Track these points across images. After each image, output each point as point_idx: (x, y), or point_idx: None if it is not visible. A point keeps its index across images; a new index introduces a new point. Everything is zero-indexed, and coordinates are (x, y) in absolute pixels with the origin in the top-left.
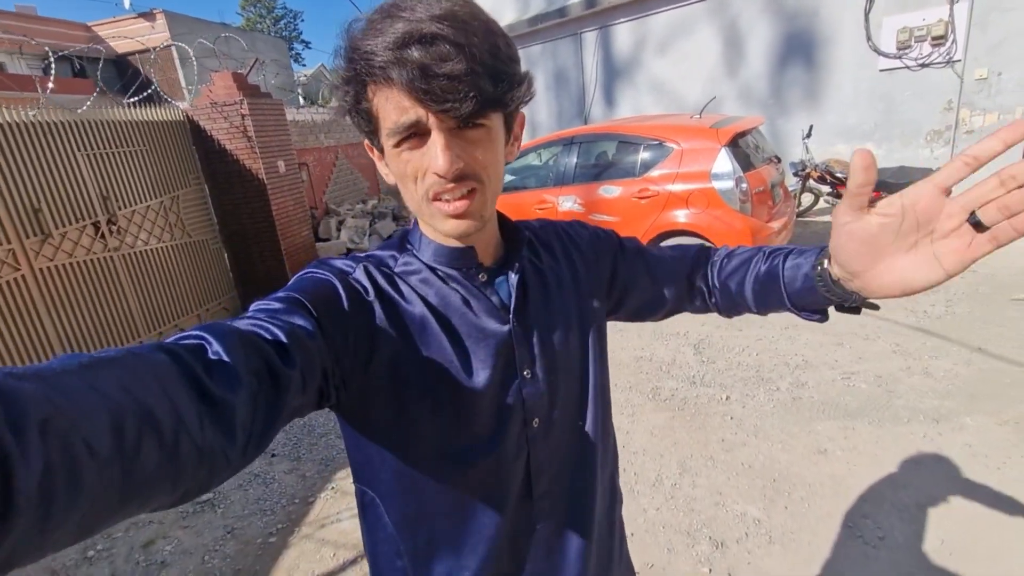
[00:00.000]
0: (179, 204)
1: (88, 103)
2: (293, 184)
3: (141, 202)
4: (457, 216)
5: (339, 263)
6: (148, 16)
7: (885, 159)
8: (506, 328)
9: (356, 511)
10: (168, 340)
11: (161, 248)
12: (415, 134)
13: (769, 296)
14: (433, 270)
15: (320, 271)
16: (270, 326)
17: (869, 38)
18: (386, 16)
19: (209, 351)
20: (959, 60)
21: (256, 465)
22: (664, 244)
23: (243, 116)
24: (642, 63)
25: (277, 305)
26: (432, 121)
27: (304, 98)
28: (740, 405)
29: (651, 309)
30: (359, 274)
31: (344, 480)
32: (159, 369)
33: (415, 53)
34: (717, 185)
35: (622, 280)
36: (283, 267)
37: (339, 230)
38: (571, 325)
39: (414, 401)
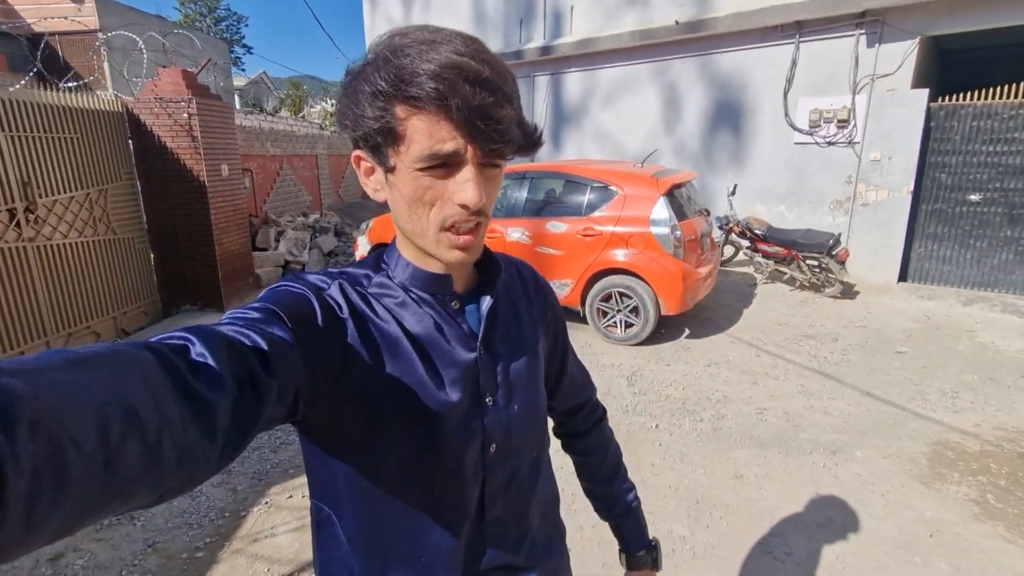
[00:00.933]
0: (107, 198)
1: (24, 83)
2: (234, 189)
3: (65, 192)
4: (462, 248)
5: (314, 278)
6: None
7: (796, 221)
8: (472, 356)
9: (293, 526)
10: (152, 339)
11: (82, 243)
12: (443, 164)
13: (598, 505)
14: (408, 292)
15: (295, 285)
16: (251, 334)
17: (787, 114)
18: (424, 43)
19: (193, 351)
20: (858, 142)
21: None
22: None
23: (190, 115)
24: (588, 111)
25: (255, 315)
26: (470, 155)
27: (244, 103)
28: (668, 433)
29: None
30: (334, 291)
31: (279, 495)
32: (144, 367)
33: (472, 90)
34: (655, 230)
35: (550, 352)
36: (215, 273)
37: (278, 241)
38: (531, 358)
39: (385, 420)
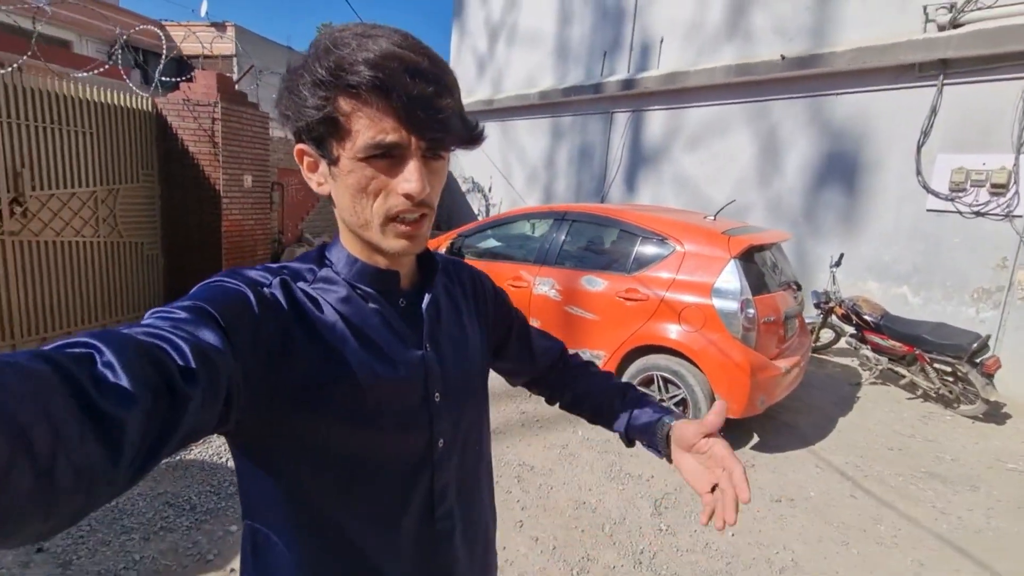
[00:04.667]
0: (116, 199)
1: (16, 65)
2: (258, 203)
3: (65, 187)
4: (408, 237)
5: (252, 273)
6: (219, 26)
7: (922, 309)
8: (419, 352)
9: None
10: (49, 346)
11: (78, 243)
12: (387, 154)
13: (604, 417)
14: (353, 287)
15: (230, 280)
16: (173, 337)
17: (919, 172)
18: (363, 35)
19: (99, 361)
20: (1020, 215)
21: (7, 562)
22: (534, 327)
23: (214, 120)
24: (670, 154)
25: (181, 315)
26: (413, 147)
27: None
28: None
29: (515, 374)
30: (275, 287)
31: None
32: (38, 381)
33: (413, 81)
34: (719, 303)
35: (505, 338)
36: None
37: None
38: (475, 355)
39: (330, 419)
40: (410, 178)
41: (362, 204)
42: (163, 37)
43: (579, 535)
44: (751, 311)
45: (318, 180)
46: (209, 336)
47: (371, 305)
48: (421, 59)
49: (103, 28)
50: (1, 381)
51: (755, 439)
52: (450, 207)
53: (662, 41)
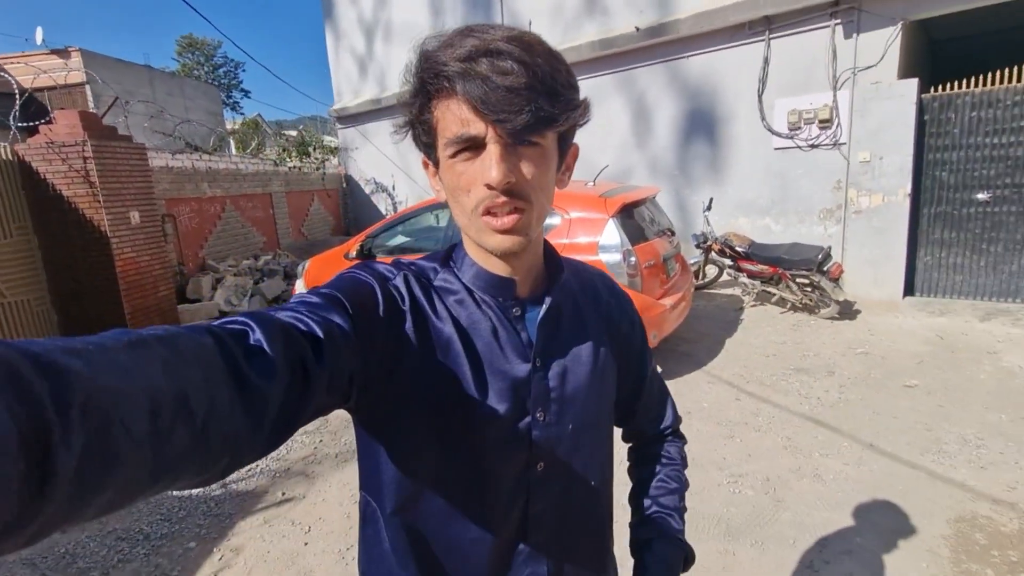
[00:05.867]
0: None
1: None
2: (150, 237)
3: None
4: (504, 231)
5: (381, 268)
6: (62, 53)
7: (783, 234)
8: (527, 366)
9: None
10: (215, 323)
11: None
12: (472, 147)
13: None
14: (470, 292)
15: (363, 273)
16: (309, 320)
17: (763, 118)
18: (460, 34)
19: (251, 337)
20: (845, 143)
21: None
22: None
23: (85, 159)
24: None
25: (318, 300)
26: (490, 135)
27: (237, 147)
28: None
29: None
30: (399, 281)
31: None
32: (203, 353)
33: (482, 66)
34: (604, 257)
35: (623, 363)
36: None
37: (215, 289)
38: (597, 376)
39: (423, 419)
40: (489, 167)
41: (460, 203)
42: (10, 76)
43: None
44: (632, 259)
45: (436, 187)
46: (339, 320)
47: (485, 311)
48: (508, 45)
49: None
50: (178, 347)
51: (659, 370)
52: (355, 210)
53: (530, 23)
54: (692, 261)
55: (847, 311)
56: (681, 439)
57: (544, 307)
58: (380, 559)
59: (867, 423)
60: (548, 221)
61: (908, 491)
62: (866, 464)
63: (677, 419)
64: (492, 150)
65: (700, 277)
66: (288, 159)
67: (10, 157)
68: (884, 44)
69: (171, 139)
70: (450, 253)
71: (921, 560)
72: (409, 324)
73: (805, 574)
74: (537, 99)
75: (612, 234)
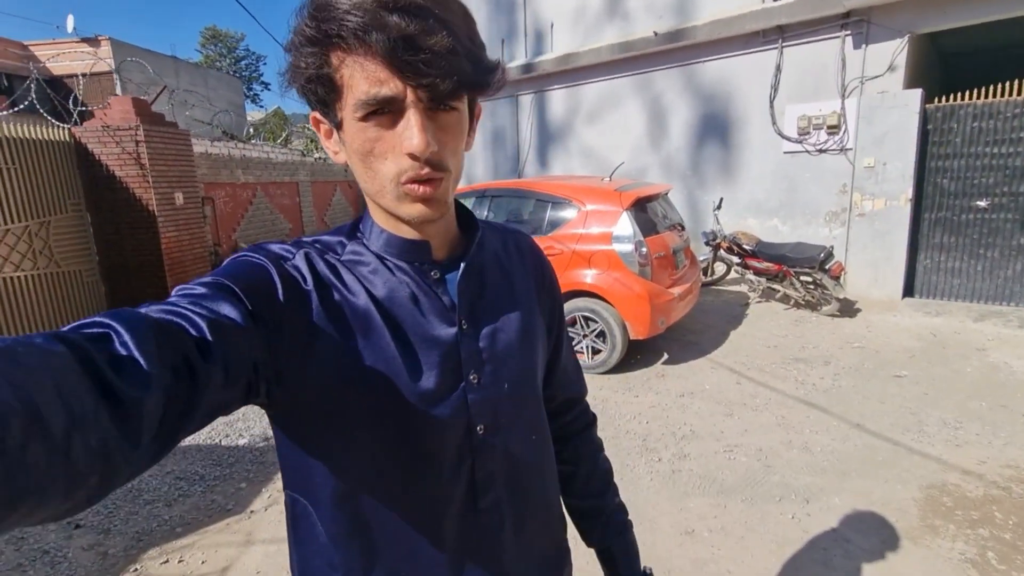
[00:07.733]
0: (49, 230)
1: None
2: (191, 218)
3: None
4: (423, 200)
5: (277, 248)
6: (92, 41)
7: (790, 235)
8: (452, 330)
9: None
10: (67, 328)
11: (18, 277)
12: (387, 110)
13: (586, 524)
14: (383, 260)
15: (255, 255)
16: (190, 314)
17: (774, 122)
18: None
19: (116, 342)
20: (851, 148)
21: (51, 539)
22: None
23: (137, 143)
24: (573, 129)
25: (201, 290)
26: (410, 98)
27: (255, 137)
28: (617, 477)
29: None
30: (298, 260)
31: (154, 560)
32: (54, 362)
33: (397, 20)
34: (618, 247)
35: (545, 327)
36: None
37: None
38: (524, 331)
39: (353, 401)
40: (411, 135)
41: (373, 169)
42: (32, 60)
43: None
44: (644, 250)
45: (333, 148)
46: (229, 310)
47: (400, 277)
48: (426, 0)
49: None
50: (17, 359)
51: (665, 356)
52: None
53: (552, 26)
54: (701, 258)
55: (847, 309)
56: (594, 416)
57: (462, 266)
58: (319, 553)
59: (856, 406)
60: (566, 212)
61: (887, 463)
62: (851, 440)
63: (585, 388)
64: (413, 117)
65: (709, 274)
66: (315, 150)
67: (67, 139)
68: (891, 55)
69: (209, 127)
70: (356, 225)
71: (891, 516)
72: (316, 304)
73: (787, 523)
74: (460, 62)
75: (625, 225)
